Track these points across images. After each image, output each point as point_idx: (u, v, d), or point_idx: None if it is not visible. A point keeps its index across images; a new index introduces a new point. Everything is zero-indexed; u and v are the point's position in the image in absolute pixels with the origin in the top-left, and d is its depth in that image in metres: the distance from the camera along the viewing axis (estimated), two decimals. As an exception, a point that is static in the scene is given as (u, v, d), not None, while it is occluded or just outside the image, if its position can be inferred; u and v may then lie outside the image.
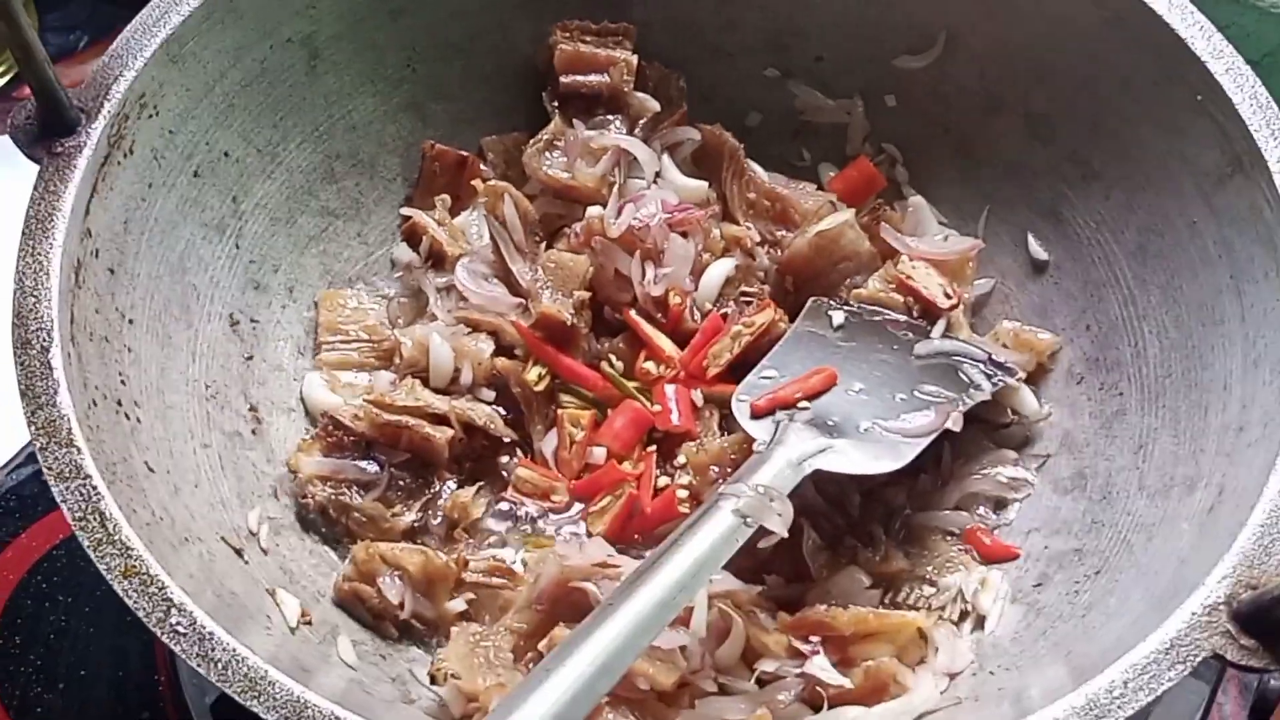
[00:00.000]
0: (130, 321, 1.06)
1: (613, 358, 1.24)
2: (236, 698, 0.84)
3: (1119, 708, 0.84)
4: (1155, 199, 1.15)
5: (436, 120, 1.32)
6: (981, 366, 1.18)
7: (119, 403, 1.00)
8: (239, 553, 1.03)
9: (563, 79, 1.30)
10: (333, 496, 1.14)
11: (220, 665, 0.85)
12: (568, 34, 1.30)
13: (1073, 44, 1.19)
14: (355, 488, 1.15)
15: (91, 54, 1.80)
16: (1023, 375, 1.20)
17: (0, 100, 1.78)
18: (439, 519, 1.16)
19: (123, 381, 1.02)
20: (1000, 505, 1.19)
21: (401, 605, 1.08)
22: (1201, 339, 1.09)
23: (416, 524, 1.16)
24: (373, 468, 1.16)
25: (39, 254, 0.98)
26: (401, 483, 1.16)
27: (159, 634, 0.86)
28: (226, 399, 1.14)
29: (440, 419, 1.17)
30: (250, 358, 1.19)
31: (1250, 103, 1.07)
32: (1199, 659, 0.85)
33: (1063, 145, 1.23)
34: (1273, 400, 0.97)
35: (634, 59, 1.30)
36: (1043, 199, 1.25)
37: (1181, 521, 1.00)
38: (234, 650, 0.85)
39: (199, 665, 0.85)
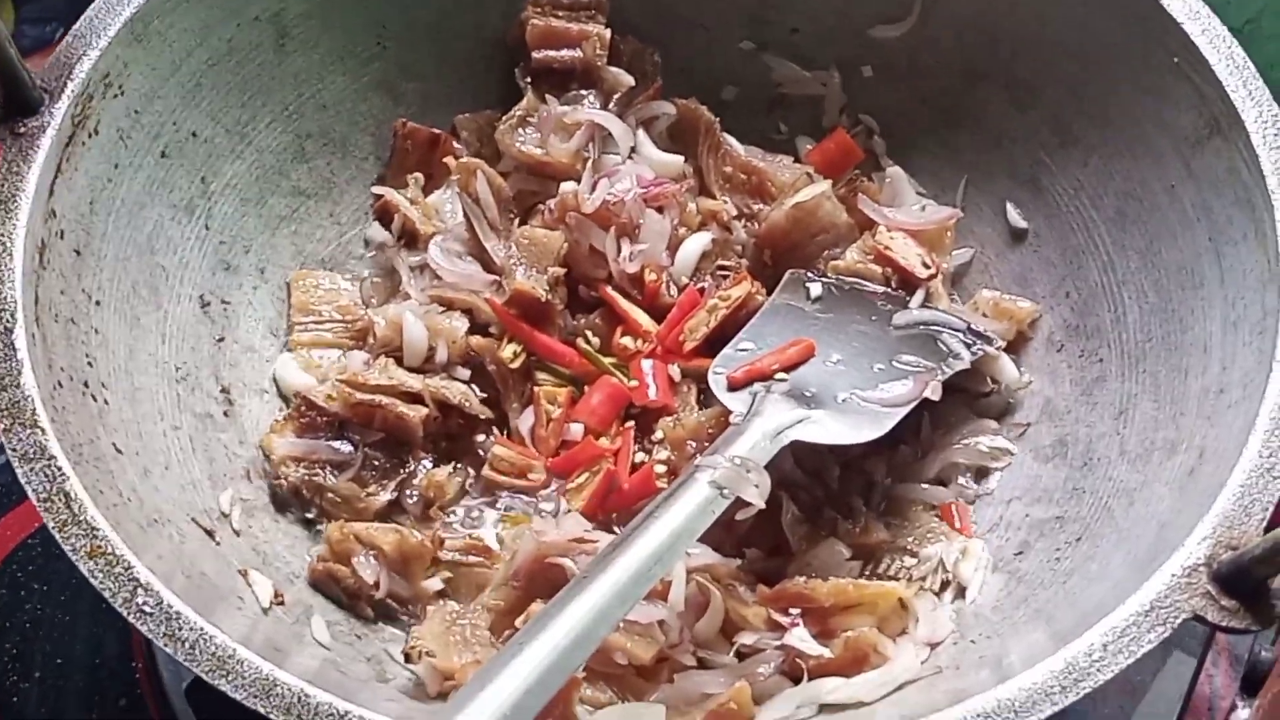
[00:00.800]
0: (97, 303, 1.05)
1: (589, 334, 1.23)
2: (204, 677, 0.82)
3: (1098, 670, 0.83)
4: (1134, 164, 1.14)
5: (408, 99, 1.31)
6: (960, 336, 1.17)
7: (85, 384, 0.99)
8: (210, 534, 1.02)
9: (535, 54, 1.29)
10: (306, 477, 1.13)
11: (188, 645, 0.83)
12: (539, 9, 1.29)
13: (1052, 9, 1.18)
14: (329, 468, 1.14)
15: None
16: (1002, 344, 1.20)
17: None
18: (414, 498, 1.15)
19: (90, 363, 1.01)
20: (981, 474, 1.18)
21: (377, 585, 1.07)
22: (1181, 302, 1.08)
23: (391, 503, 1.14)
24: (346, 448, 1.15)
25: (1, 235, 0.97)
26: (376, 462, 1.15)
27: (125, 614, 0.84)
28: (197, 380, 1.13)
29: (414, 398, 1.16)
30: (221, 339, 1.18)
31: (1227, 64, 1.06)
32: (1179, 621, 0.84)
33: (1042, 112, 1.22)
34: (1252, 361, 0.96)
35: (607, 33, 1.29)
36: (1021, 167, 1.24)
37: (1162, 485, 0.99)
38: (201, 629, 0.84)
39: (165, 645, 0.83)
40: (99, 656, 1.25)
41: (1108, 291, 1.16)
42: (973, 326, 1.18)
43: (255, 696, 0.82)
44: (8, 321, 0.94)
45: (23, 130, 1.02)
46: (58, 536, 0.87)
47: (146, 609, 0.84)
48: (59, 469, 0.89)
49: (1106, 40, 1.15)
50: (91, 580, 0.85)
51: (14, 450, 0.90)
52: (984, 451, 1.17)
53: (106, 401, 1.01)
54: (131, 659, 1.24)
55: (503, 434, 1.21)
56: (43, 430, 0.90)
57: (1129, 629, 0.84)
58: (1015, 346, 1.22)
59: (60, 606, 1.27)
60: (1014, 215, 1.25)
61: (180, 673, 1.16)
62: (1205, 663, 1.32)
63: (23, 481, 0.89)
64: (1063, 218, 1.21)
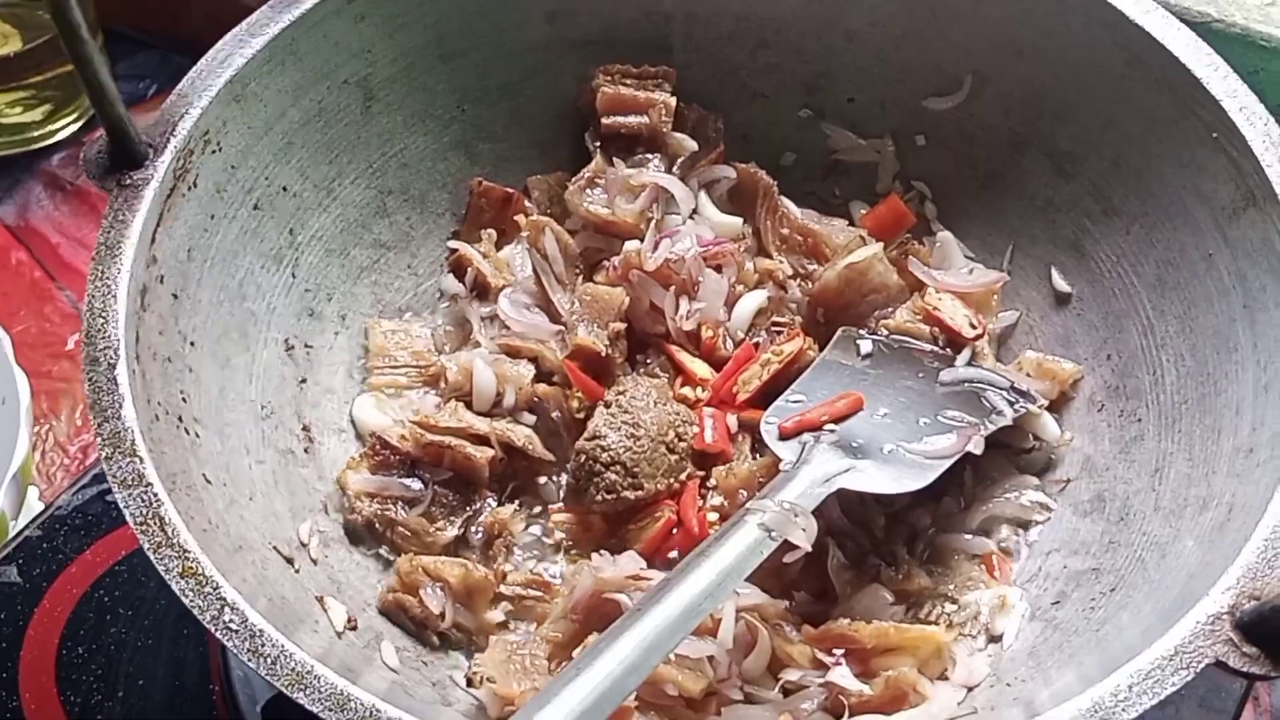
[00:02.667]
0: (192, 344, 1.12)
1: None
2: (284, 690, 0.89)
3: (1123, 710, 0.87)
4: (1173, 233, 1.19)
5: (483, 158, 1.39)
6: (1004, 393, 1.22)
7: (180, 419, 1.06)
8: (290, 562, 1.09)
9: (604, 120, 1.36)
10: (379, 511, 1.19)
11: (269, 660, 0.90)
12: (609, 77, 1.36)
13: (1095, 85, 1.24)
14: (400, 503, 1.20)
15: (158, 101, 1.86)
16: (1044, 402, 1.24)
17: (73, 146, 1.87)
18: (479, 534, 1.21)
19: (184, 399, 1.08)
20: (1023, 526, 1.22)
21: (442, 615, 1.13)
22: (1216, 366, 1.12)
23: (458, 539, 1.21)
24: (417, 485, 1.21)
25: (108, 278, 1.05)
26: (444, 499, 1.21)
27: (213, 630, 0.91)
28: (281, 419, 1.20)
29: (481, 439, 1.22)
30: (304, 380, 1.25)
31: (1263, 139, 1.11)
32: (1202, 665, 0.88)
33: (1085, 182, 1.28)
34: (1280, 422, 1.01)
35: (673, 101, 1.35)
36: (1065, 234, 1.29)
37: (1192, 538, 1.03)
38: (282, 646, 0.90)
39: (249, 660, 0.90)
40: (178, 679, 1.31)
41: (1147, 354, 1.20)
42: (1016, 385, 1.23)
43: (331, 710, 0.88)
44: (111, 358, 1.01)
45: (129, 182, 1.10)
46: (152, 557, 0.93)
47: (233, 626, 0.91)
48: (155, 495, 0.96)
49: (1147, 115, 1.20)
50: (183, 599, 0.92)
51: (114, 476, 0.97)
52: (1025, 505, 1.21)
53: (198, 435, 1.08)
54: (210, 682, 1.30)
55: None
56: (141, 459, 0.97)
57: (1154, 672, 0.88)
58: (1057, 405, 1.26)
59: (143, 631, 1.34)
60: (1058, 280, 1.30)
61: (255, 695, 1.22)
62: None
63: (121, 506, 0.95)
64: (1105, 283, 1.26)
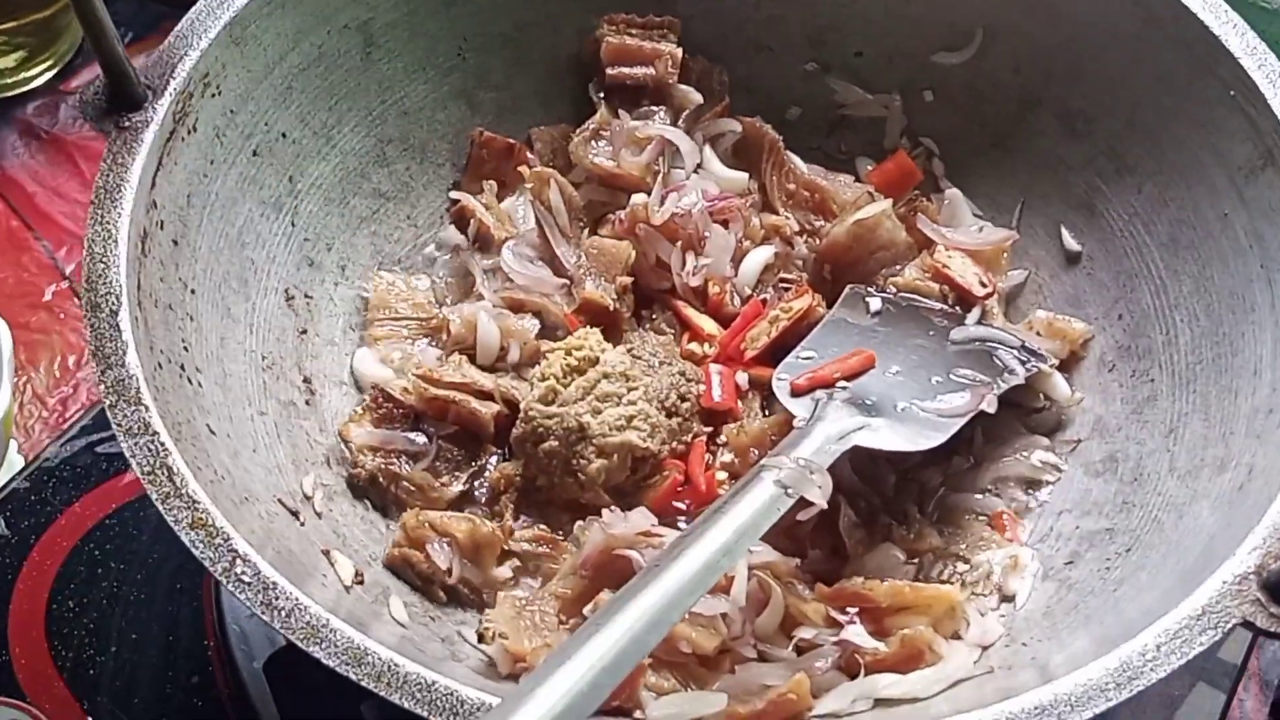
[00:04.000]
0: (192, 291, 1.10)
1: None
2: (299, 644, 0.87)
3: (1151, 669, 0.87)
4: (1187, 192, 1.18)
5: (485, 108, 1.36)
6: (1015, 352, 1.21)
7: (182, 367, 1.04)
8: (295, 515, 1.06)
9: (609, 70, 1.34)
10: (383, 466, 1.17)
11: (283, 613, 0.88)
12: (614, 27, 1.34)
13: (1109, 42, 1.23)
14: (404, 458, 1.18)
15: (135, 49, 1.84)
16: (1055, 361, 1.23)
17: (49, 94, 1.82)
18: (484, 490, 1.20)
19: (185, 348, 1.06)
20: (1033, 486, 1.21)
21: (449, 570, 1.11)
22: (1233, 326, 1.12)
23: (463, 495, 1.19)
24: (421, 439, 1.19)
25: (107, 222, 1.02)
26: (449, 454, 1.20)
27: (224, 582, 0.89)
28: (282, 370, 1.18)
29: (486, 395, 1.20)
30: (304, 331, 1.22)
31: (1282, 98, 1.10)
32: (1230, 626, 0.88)
33: (1097, 140, 1.26)
34: (1302, 382, 1.01)
35: (679, 52, 1.33)
36: (1076, 192, 1.28)
37: (1211, 500, 1.03)
38: (296, 599, 0.88)
39: (263, 613, 0.88)
40: (172, 634, 1.29)
41: (1160, 314, 1.19)
42: (1027, 344, 1.22)
43: (347, 664, 0.86)
44: (114, 304, 0.99)
45: (127, 124, 1.07)
46: (161, 508, 0.91)
47: (245, 578, 0.89)
48: (162, 444, 0.93)
49: (1162, 73, 1.19)
50: (193, 550, 0.90)
51: (119, 425, 0.94)
52: (1035, 465, 1.21)
53: (200, 385, 1.05)
54: (204, 638, 1.28)
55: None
56: (146, 407, 0.95)
57: (1181, 631, 0.88)
58: (1067, 365, 1.25)
59: (135, 585, 1.32)
60: (1068, 238, 1.29)
61: (253, 652, 1.21)
62: (1238, 688, 1.36)
63: (128, 455, 0.93)
64: (1116, 242, 1.25)
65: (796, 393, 1.17)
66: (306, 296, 1.24)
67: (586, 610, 1.06)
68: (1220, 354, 1.12)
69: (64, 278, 1.67)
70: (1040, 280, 1.31)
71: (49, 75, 1.82)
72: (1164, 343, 1.18)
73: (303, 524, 1.06)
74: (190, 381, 1.04)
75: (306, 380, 1.20)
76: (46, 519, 1.36)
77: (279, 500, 1.06)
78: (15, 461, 1.46)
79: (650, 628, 0.90)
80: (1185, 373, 1.15)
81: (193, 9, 1.14)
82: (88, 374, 1.57)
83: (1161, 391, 1.17)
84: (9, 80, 1.79)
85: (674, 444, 1.20)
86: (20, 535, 1.35)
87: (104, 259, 1.00)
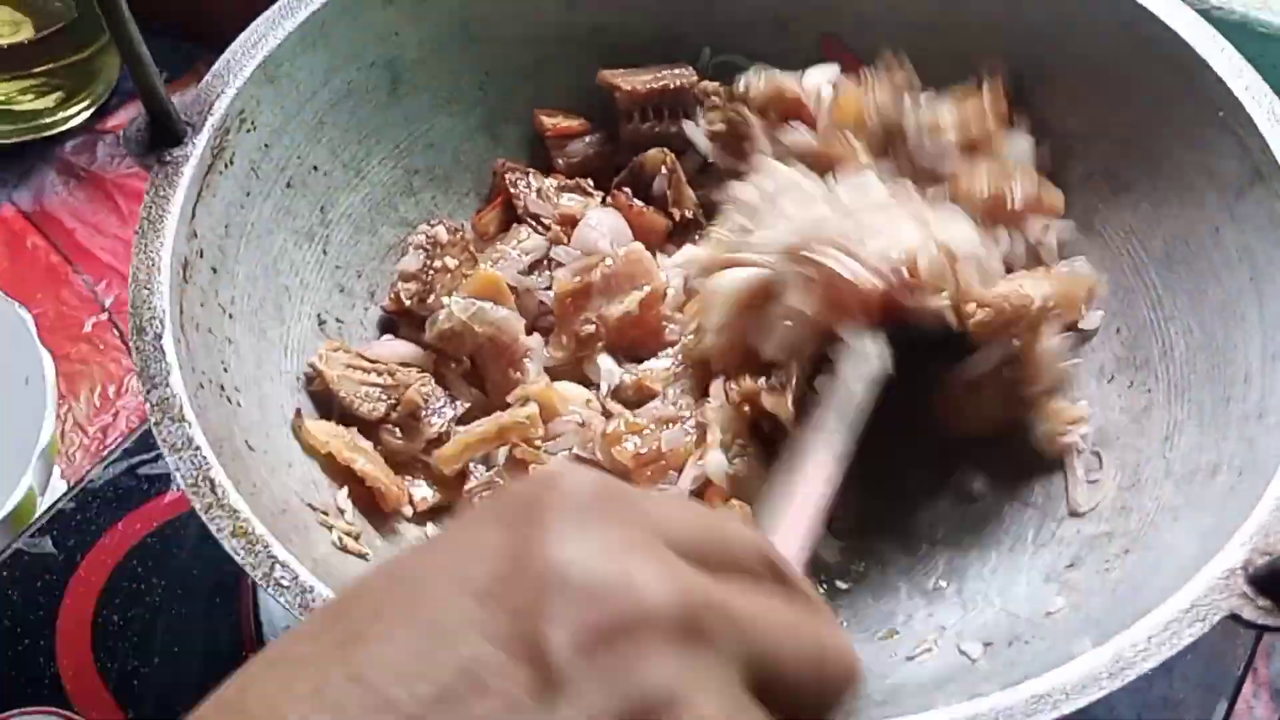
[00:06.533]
0: (230, 316, 1.15)
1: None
2: (335, 644, 0.92)
3: (1142, 660, 0.91)
4: (1181, 209, 1.23)
5: (506, 140, 1.42)
6: None
7: (221, 388, 1.10)
8: (329, 529, 1.12)
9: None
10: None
11: (320, 615, 0.93)
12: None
13: (1105, 67, 1.28)
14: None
15: (171, 89, 1.89)
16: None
17: (86, 133, 1.89)
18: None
19: (225, 369, 1.11)
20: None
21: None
22: (1225, 337, 1.16)
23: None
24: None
25: (151, 251, 1.08)
26: (478, 471, 1.26)
27: (265, 587, 0.94)
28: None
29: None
30: (336, 354, 1.28)
31: (1268, 117, 1.14)
32: (1218, 618, 0.92)
33: (1095, 162, 1.31)
34: (1288, 388, 1.05)
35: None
36: (1076, 212, 1.33)
37: (1205, 502, 1.07)
38: (332, 602, 0.93)
39: (301, 615, 0.93)
40: (213, 646, 1.34)
41: (1156, 327, 1.24)
42: None
43: (380, 665, 0.91)
44: (158, 328, 1.04)
45: (169, 159, 1.13)
46: (204, 518, 0.96)
47: (284, 583, 0.94)
48: (204, 459, 0.99)
49: (1154, 94, 1.24)
50: (235, 556, 0.95)
51: (164, 441, 1.00)
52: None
53: (239, 404, 1.11)
54: (242, 648, 1.34)
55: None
56: (189, 424, 1.00)
57: (1171, 624, 0.92)
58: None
59: (177, 600, 1.37)
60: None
61: (289, 660, 1.25)
62: (1245, 694, 1.39)
63: (172, 469, 0.98)
64: (1115, 259, 1.29)
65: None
66: (338, 321, 1.29)
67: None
68: (1214, 364, 1.16)
69: (103, 310, 1.73)
70: (1044, 296, 1.35)
71: (86, 115, 1.89)
72: (1160, 354, 1.22)
73: (336, 538, 1.12)
74: (229, 401, 1.10)
75: (339, 400, 1.26)
76: (91, 538, 1.41)
77: (313, 510, 1.11)
78: (58, 486, 1.52)
79: None
80: (1181, 382, 1.19)
81: (228, 49, 1.20)
82: (127, 402, 1.64)
83: (1158, 401, 1.21)
84: (47, 120, 1.87)
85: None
86: (67, 554, 1.40)
87: (148, 285, 1.06)
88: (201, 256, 1.13)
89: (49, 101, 1.86)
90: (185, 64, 1.89)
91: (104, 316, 1.74)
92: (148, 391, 1.02)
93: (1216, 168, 1.19)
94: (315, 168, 1.27)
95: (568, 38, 1.40)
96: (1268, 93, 1.16)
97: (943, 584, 1.22)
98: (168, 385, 1.02)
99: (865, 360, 1.10)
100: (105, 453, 1.52)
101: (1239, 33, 1.38)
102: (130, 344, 1.04)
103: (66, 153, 1.89)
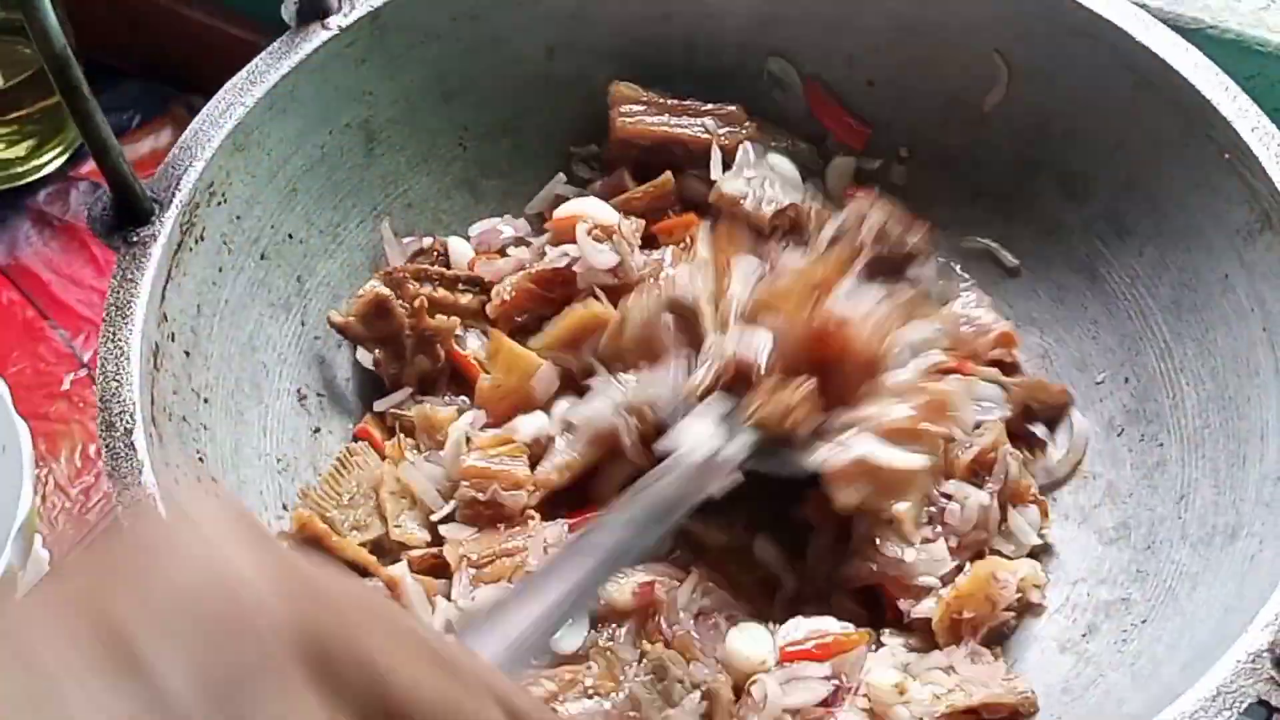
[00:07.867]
0: (205, 400, 1.11)
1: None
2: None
3: (1170, 752, 0.87)
4: (1188, 255, 1.19)
5: (488, 195, 1.38)
6: None
7: (198, 479, 1.06)
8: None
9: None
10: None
11: None
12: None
13: (1105, 107, 1.23)
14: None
15: (144, 132, 1.86)
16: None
17: (60, 182, 1.85)
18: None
19: (200, 459, 1.07)
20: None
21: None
22: (1238, 390, 1.12)
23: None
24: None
25: (119, 340, 1.03)
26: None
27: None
28: (296, 470, 1.19)
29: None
30: (317, 430, 1.24)
31: (1277, 160, 1.10)
32: (1245, 705, 0.88)
33: (1097, 205, 1.27)
34: (1310, 450, 1.01)
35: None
36: (1078, 256, 1.29)
37: (1224, 570, 1.03)
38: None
39: None
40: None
41: (1166, 378, 1.20)
42: None
43: None
44: (128, 423, 1.00)
45: (135, 239, 1.08)
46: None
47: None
48: (179, 560, 0.94)
49: (1157, 136, 1.20)
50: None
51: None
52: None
53: (215, 494, 1.07)
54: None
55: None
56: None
57: (1198, 714, 0.88)
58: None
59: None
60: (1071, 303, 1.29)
61: None
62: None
63: (147, 571, 0.94)
64: (1120, 305, 1.25)
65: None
66: (318, 395, 1.25)
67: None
68: (1227, 418, 1.12)
69: (82, 365, 1.69)
70: (1046, 344, 1.31)
71: (59, 163, 1.84)
72: (1171, 406, 1.19)
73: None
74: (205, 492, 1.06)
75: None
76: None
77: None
78: (41, 555, 1.48)
79: None
80: (1193, 437, 1.15)
81: (195, 119, 1.15)
82: (108, 463, 1.59)
83: (1171, 456, 1.17)
84: (20, 169, 1.82)
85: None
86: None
87: (116, 377, 1.02)
88: (173, 340, 1.09)
89: (20, 150, 1.81)
90: (160, 106, 1.85)
91: (83, 373, 1.69)
92: (119, 492, 0.98)
93: (1224, 212, 1.15)
94: (290, 236, 1.23)
95: (549, 89, 1.36)
96: (1275, 135, 1.11)
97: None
98: (140, 485, 0.98)
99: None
100: (86, 513, 1.47)
101: (1234, 51, 1.34)
102: (100, 441, 1.00)
103: (40, 202, 1.84)
